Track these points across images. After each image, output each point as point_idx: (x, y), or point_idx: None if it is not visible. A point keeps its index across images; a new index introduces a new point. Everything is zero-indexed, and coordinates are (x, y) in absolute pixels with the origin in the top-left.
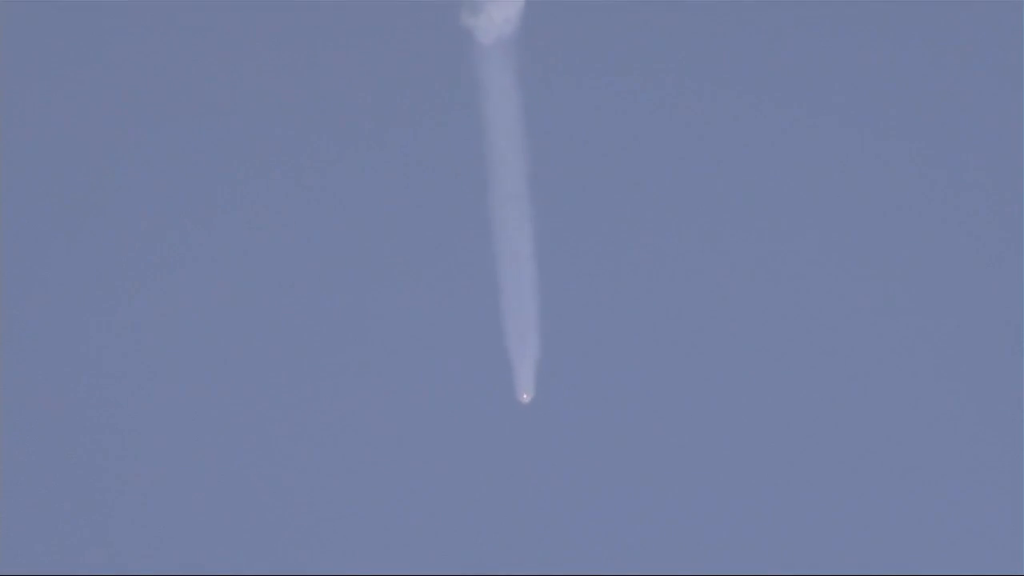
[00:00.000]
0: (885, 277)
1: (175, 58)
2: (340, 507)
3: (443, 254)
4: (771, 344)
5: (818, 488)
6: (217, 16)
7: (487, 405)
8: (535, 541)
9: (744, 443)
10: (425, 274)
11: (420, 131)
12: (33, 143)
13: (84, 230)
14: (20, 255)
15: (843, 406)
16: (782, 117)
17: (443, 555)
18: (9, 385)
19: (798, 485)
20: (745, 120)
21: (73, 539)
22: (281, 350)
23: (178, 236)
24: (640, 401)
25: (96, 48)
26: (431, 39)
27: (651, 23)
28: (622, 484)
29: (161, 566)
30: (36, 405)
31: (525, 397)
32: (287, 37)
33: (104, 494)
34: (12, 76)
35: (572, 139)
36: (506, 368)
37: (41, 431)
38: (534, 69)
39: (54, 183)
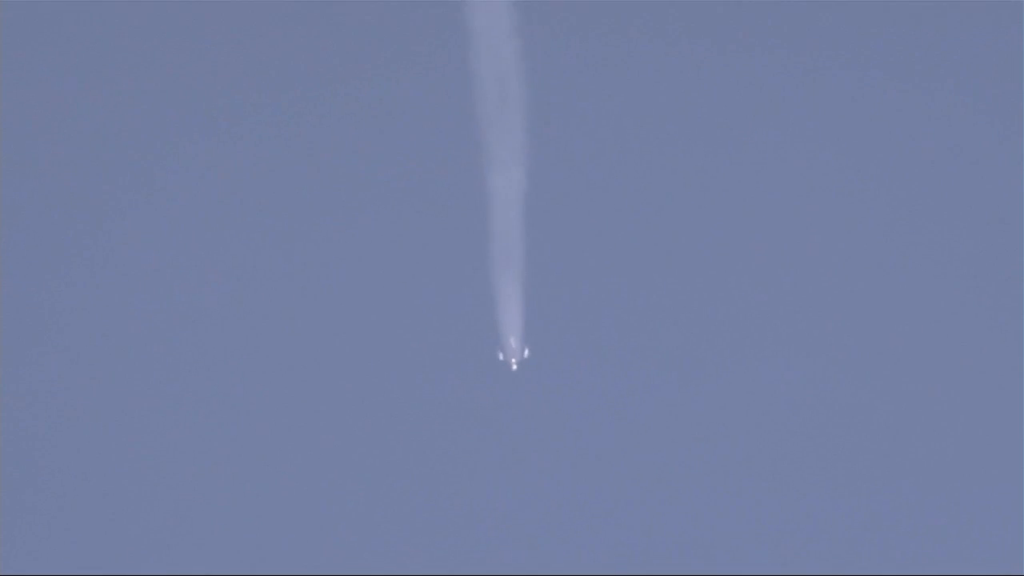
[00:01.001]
0: (881, 275)
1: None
2: (318, 471)
3: (434, 211)
4: (768, 323)
5: (816, 485)
6: None
7: (475, 369)
8: (519, 506)
9: (740, 430)
10: (415, 230)
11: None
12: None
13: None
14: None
15: (842, 399)
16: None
17: (422, 518)
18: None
19: (795, 479)
20: (745, 116)
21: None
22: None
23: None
24: (630, 369)
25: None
26: None
27: None
28: (611, 452)
29: (157, 563)
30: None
31: (513, 363)
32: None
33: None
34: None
35: (568, 90)
36: (493, 334)
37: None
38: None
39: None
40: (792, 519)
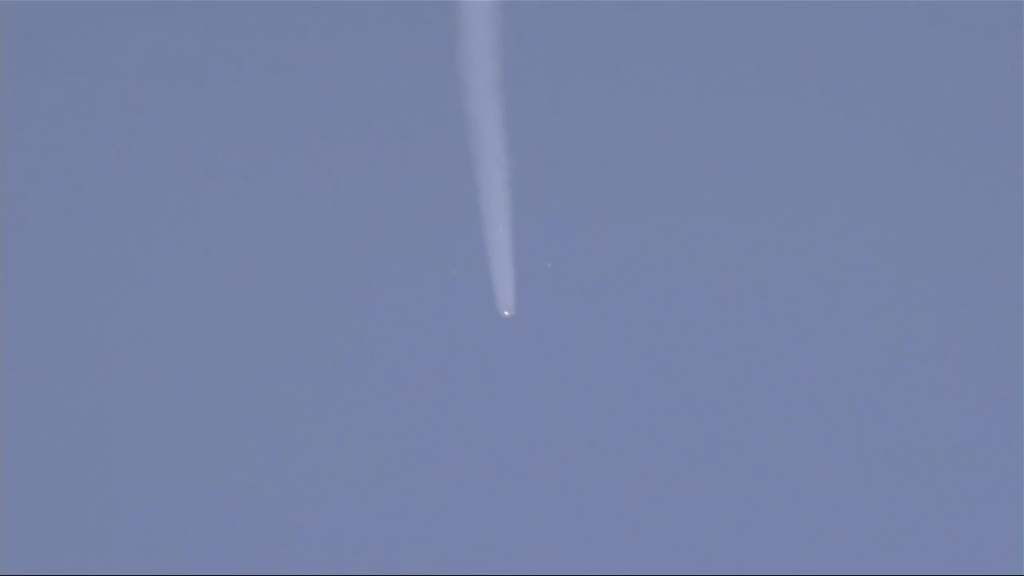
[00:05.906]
0: (879, 275)
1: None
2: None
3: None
4: (762, 302)
5: (815, 483)
6: None
7: (467, 321)
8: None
9: (733, 407)
10: (404, 192)
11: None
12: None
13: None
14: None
15: (841, 395)
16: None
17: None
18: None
19: (794, 474)
20: (740, 115)
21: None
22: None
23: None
24: (627, 319)
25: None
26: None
27: None
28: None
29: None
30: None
31: (506, 313)
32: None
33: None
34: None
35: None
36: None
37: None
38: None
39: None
40: (791, 517)
